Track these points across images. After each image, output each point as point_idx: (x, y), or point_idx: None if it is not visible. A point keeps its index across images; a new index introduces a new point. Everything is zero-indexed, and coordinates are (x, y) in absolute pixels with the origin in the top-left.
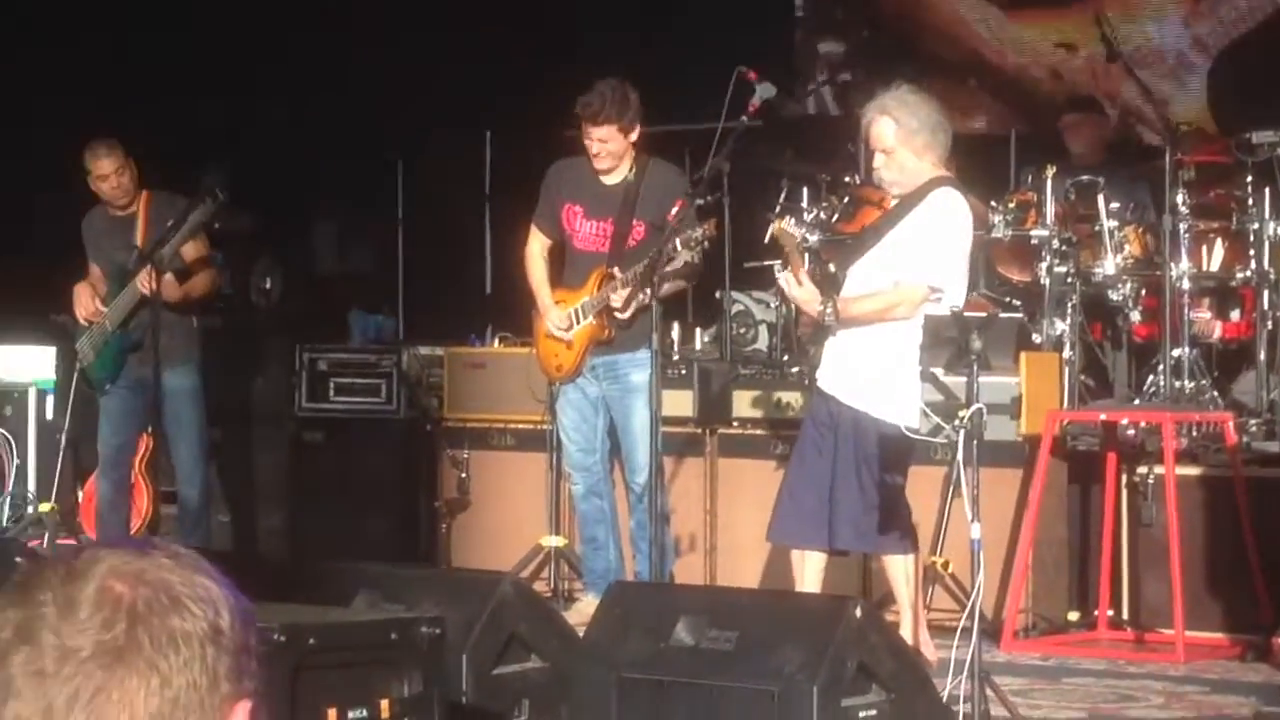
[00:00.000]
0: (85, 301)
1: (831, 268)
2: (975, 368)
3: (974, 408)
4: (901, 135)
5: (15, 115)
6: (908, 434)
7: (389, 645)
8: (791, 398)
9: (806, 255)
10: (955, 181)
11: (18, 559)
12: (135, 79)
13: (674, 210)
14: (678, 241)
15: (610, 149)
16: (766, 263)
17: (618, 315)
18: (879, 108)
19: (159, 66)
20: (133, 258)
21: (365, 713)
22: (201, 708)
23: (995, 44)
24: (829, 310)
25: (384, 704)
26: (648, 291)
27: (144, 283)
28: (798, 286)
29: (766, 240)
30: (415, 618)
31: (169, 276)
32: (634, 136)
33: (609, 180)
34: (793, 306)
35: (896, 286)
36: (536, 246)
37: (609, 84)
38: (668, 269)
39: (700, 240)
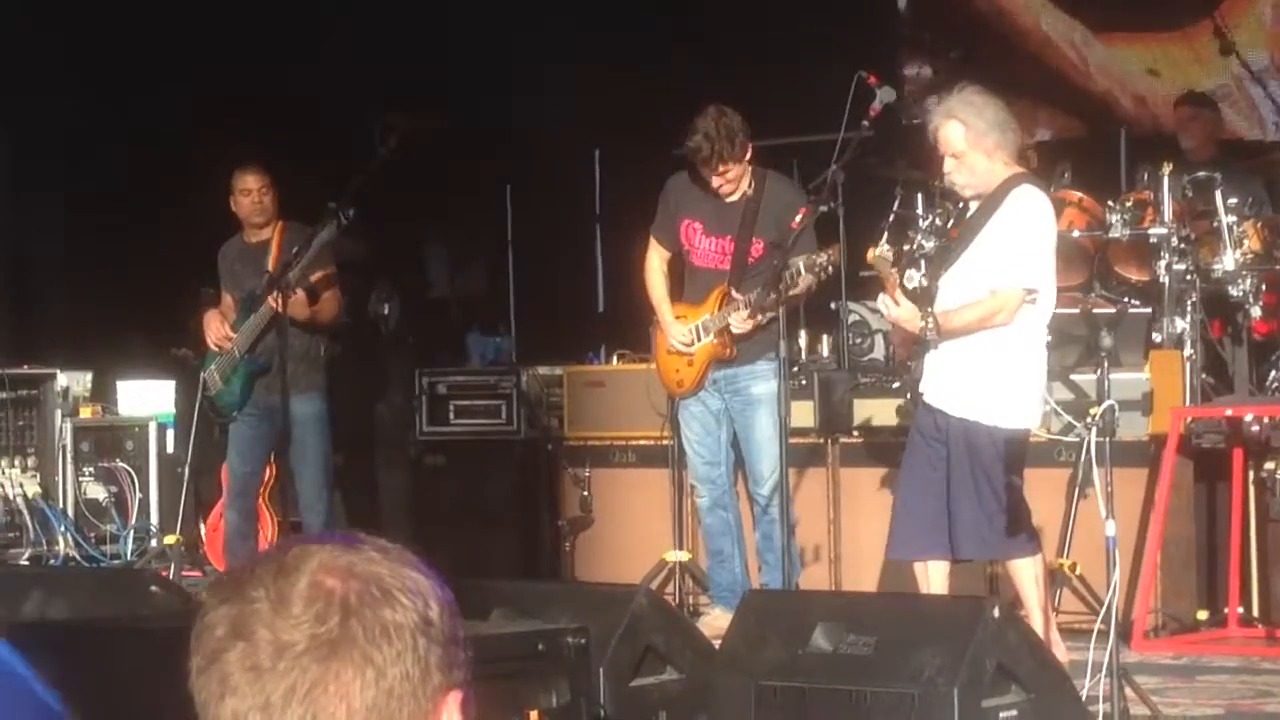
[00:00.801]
0: (215, 327)
1: (924, 281)
2: (1106, 365)
3: (1106, 404)
4: (971, 138)
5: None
6: (1020, 435)
7: (536, 656)
8: (910, 406)
9: (923, 262)
10: (1032, 178)
11: (153, 588)
12: (252, 110)
13: (798, 219)
14: (801, 265)
15: (733, 179)
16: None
17: (737, 333)
18: (945, 112)
19: (277, 99)
20: (263, 282)
21: None
22: (415, 698)
23: (1082, 66)
24: (930, 325)
25: (533, 715)
26: (767, 313)
27: (273, 300)
28: (895, 306)
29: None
30: (561, 629)
31: (299, 294)
32: (749, 156)
33: (729, 197)
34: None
35: (993, 294)
36: (656, 260)
37: (709, 120)
38: (790, 294)
39: (824, 266)
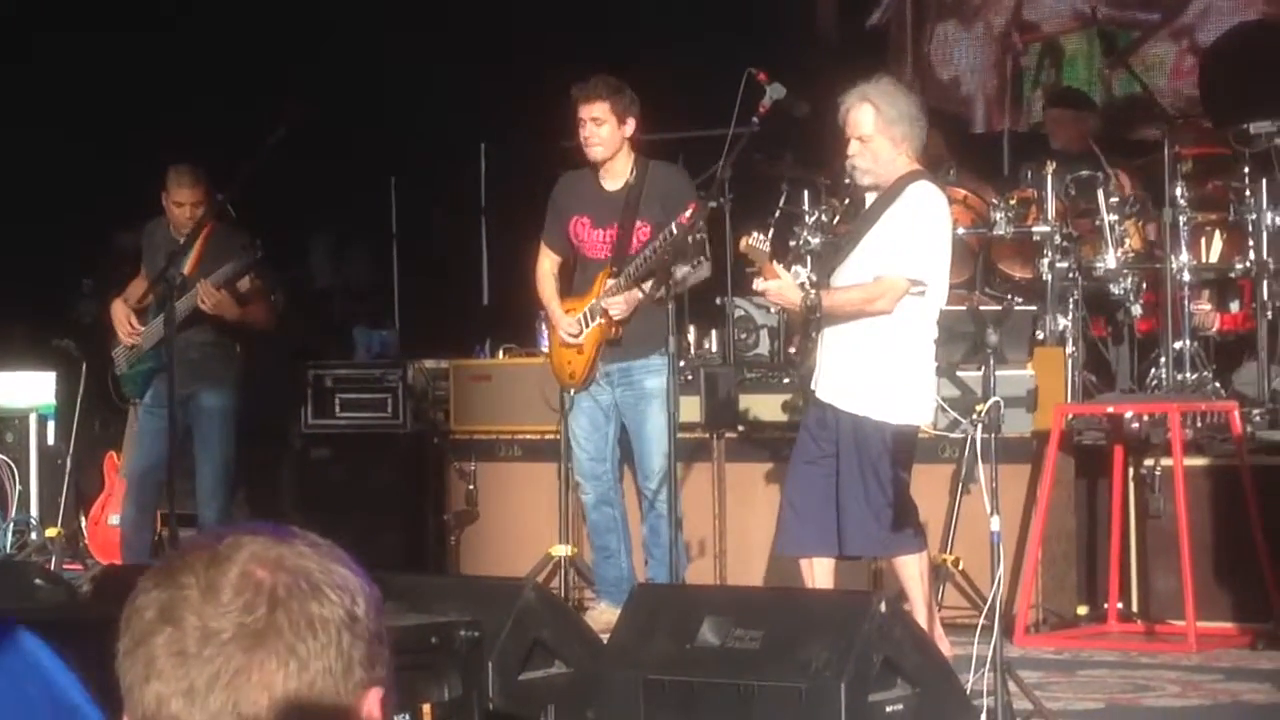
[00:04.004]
0: (122, 321)
1: (811, 276)
2: (991, 362)
3: (991, 401)
4: (880, 123)
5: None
6: (909, 430)
7: (429, 650)
8: (797, 401)
9: (809, 258)
10: (930, 175)
11: (37, 581)
12: (128, 94)
13: (687, 213)
14: (673, 227)
15: (602, 134)
16: None
17: (615, 318)
18: (859, 95)
19: (157, 84)
20: (174, 281)
21: (408, 717)
22: (337, 692)
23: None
24: (812, 297)
25: (425, 709)
26: (647, 289)
27: (201, 299)
28: (774, 279)
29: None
30: (453, 622)
31: (225, 295)
32: (628, 130)
33: (611, 186)
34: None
35: (877, 280)
36: (547, 265)
37: (604, 75)
38: (676, 272)
39: (691, 228)
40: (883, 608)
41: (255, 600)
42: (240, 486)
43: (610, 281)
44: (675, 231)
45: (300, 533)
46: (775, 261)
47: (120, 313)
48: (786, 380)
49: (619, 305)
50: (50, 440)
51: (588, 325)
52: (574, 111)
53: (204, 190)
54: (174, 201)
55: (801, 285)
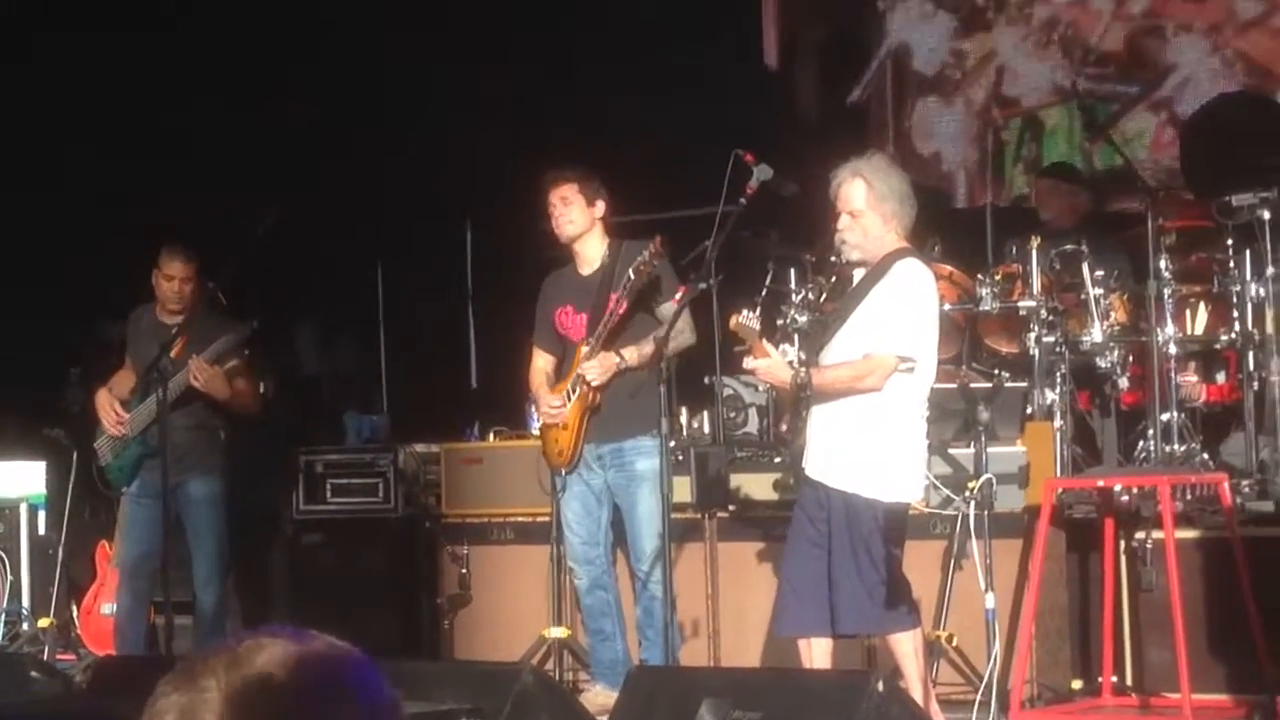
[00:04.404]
0: (107, 411)
1: (801, 354)
2: (983, 438)
3: (984, 478)
4: (871, 199)
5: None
6: (900, 508)
7: None
8: (788, 479)
9: (797, 336)
10: (917, 253)
11: (33, 674)
12: (122, 194)
13: (677, 295)
14: (630, 272)
15: (571, 214)
16: None
17: (592, 381)
18: (852, 170)
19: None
20: (162, 366)
21: None
22: None
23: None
24: (802, 375)
25: None
26: (626, 355)
27: (194, 375)
28: (764, 358)
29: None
30: (455, 710)
31: (219, 371)
32: (598, 211)
33: (587, 272)
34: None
35: (867, 358)
36: (539, 363)
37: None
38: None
39: (648, 262)
40: (880, 686)
41: (276, 704)
42: (231, 573)
43: (585, 349)
44: (634, 276)
45: (319, 635)
46: (765, 340)
47: (104, 401)
48: (777, 459)
49: (594, 369)
50: (41, 530)
51: (570, 398)
52: (544, 197)
53: (195, 268)
54: (165, 275)
55: (791, 363)
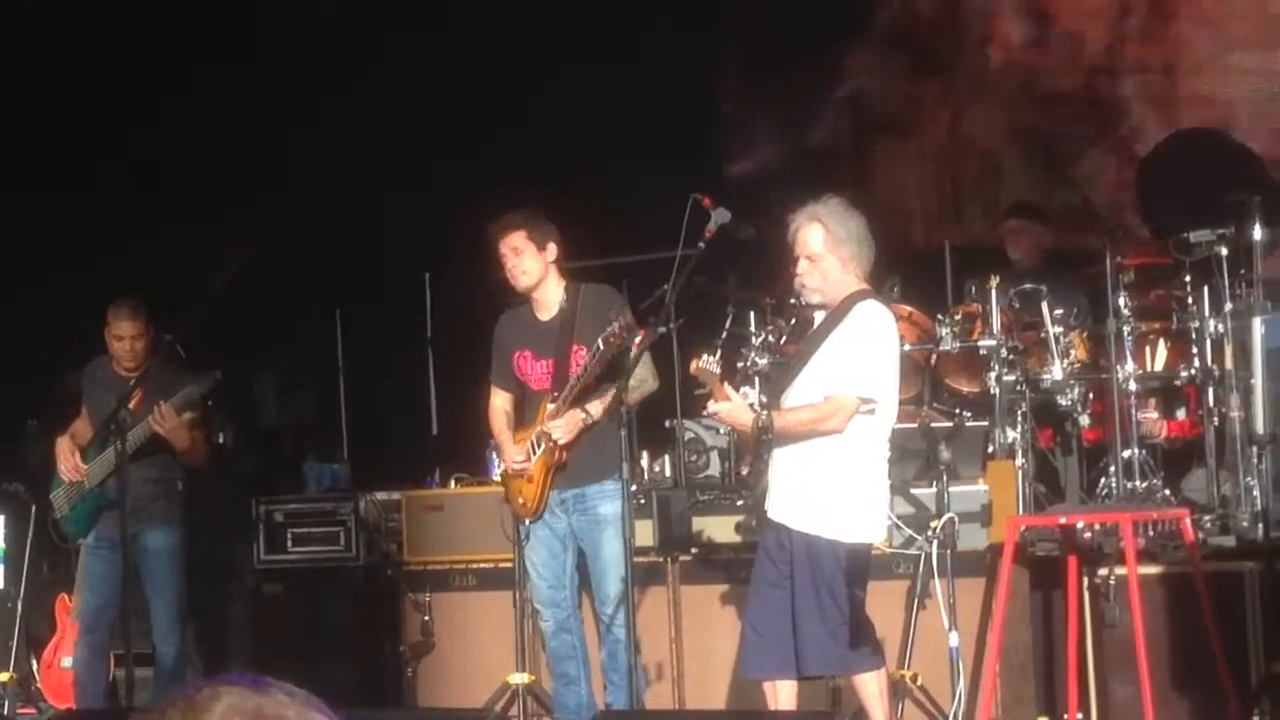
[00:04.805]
0: (66, 457)
1: (762, 398)
2: (945, 478)
3: (946, 517)
4: (829, 243)
5: None
6: (862, 548)
7: None
8: (750, 521)
9: (758, 379)
10: (876, 295)
11: None
12: (81, 241)
13: (614, 326)
14: (600, 342)
15: (524, 264)
16: None
17: (558, 440)
18: (809, 215)
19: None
20: (119, 419)
21: None
22: None
23: None
24: (764, 418)
25: None
26: (591, 410)
27: (157, 420)
28: (725, 401)
29: (692, 373)
30: None
31: (182, 419)
32: (550, 255)
33: (545, 317)
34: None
35: (828, 400)
36: (498, 401)
37: (519, 208)
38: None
39: (618, 335)
40: None
41: None
42: (192, 624)
43: (550, 407)
44: (603, 346)
45: (276, 683)
46: (725, 383)
47: (65, 448)
48: (739, 501)
49: (560, 428)
50: (0, 584)
51: (535, 452)
52: (494, 248)
53: (143, 323)
54: (114, 335)
55: (752, 406)
